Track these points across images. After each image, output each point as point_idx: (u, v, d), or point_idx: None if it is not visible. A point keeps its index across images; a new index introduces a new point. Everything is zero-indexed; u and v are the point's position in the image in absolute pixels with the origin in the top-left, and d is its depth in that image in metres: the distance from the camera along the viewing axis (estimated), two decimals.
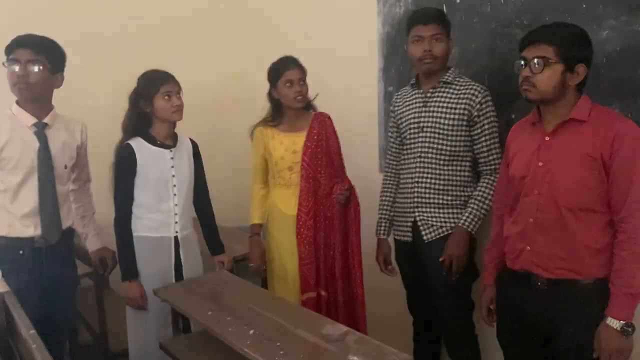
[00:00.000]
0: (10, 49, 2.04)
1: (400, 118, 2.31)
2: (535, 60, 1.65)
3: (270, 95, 2.50)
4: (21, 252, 2.10)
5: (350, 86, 2.71)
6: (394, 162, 2.41)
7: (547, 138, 1.71)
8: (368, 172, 2.89)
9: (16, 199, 2.08)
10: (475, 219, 2.13)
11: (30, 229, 2.10)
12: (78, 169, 2.34)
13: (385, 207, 2.41)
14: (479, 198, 2.14)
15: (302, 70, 2.44)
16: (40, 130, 2.10)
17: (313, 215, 2.45)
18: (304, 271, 2.46)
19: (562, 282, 1.69)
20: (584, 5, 1.95)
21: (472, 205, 2.15)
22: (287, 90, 2.40)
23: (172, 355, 2.16)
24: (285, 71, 2.40)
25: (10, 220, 2.09)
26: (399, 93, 2.37)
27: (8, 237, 2.09)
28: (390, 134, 2.42)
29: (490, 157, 2.14)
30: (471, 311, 2.26)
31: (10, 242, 2.09)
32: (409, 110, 2.27)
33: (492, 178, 2.13)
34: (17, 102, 2.11)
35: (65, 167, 2.19)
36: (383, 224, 2.41)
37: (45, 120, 2.12)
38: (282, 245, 2.53)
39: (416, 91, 2.26)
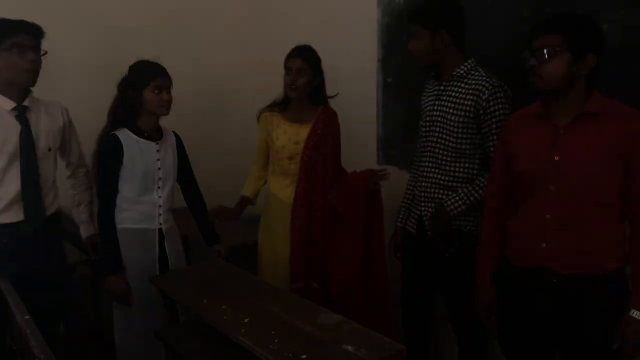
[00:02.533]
0: (9, 34, 1.99)
1: (422, 110, 2.27)
2: (543, 50, 1.61)
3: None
4: (4, 240, 2.08)
5: (350, 77, 2.71)
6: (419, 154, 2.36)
7: (562, 131, 1.66)
8: (366, 163, 2.87)
9: (1, 184, 2.06)
10: (460, 202, 2.08)
11: (14, 215, 2.08)
12: (67, 153, 2.32)
13: (406, 197, 2.40)
14: (474, 186, 2.09)
15: (306, 61, 2.42)
16: (22, 114, 2.08)
17: (309, 207, 2.46)
18: (296, 261, 2.47)
19: (579, 277, 1.66)
20: None
21: (464, 190, 2.10)
22: (284, 78, 2.42)
23: (167, 343, 2.16)
24: (287, 58, 2.43)
25: None
26: (427, 84, 2.29)
27: None
28: (421, 124, 2.31)
29: None
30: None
31: None
32: (426, 103, 2.23)
33: None
34: None
35: (50, 149, 2.17)
36: (402, 213, 2.40)
37: (25, 103, 2.10)
38: (276, 231, 2.54)
39: (436, 83, 2.20)
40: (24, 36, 2.01)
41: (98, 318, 2.71)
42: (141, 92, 2.19)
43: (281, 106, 2.54)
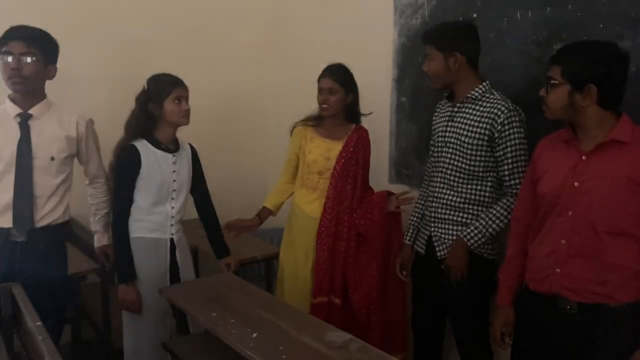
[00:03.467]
0: (3, 41, 2.04)
1: (434, 130, 2.27)
2: (550, 81, 1.65)
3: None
4: None
5: (364, 95, 2.73)
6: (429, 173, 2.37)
7: (584, 157, 1.65)
8: (378, 182, 2.88)
9: None
10: (479, 235, 2.08)
11: (6, 220, 2.09)
12: (85, 162, 2.32)
13: (415, 215, 2.40)
14: (490, 216, 2.08)
15: (336, 81, 2.47)
16: (24, 121, 2.09)
17: (336, 223, 2.49)
18: (319, 276, 2.50)
19: (593, 307, 1.63)
20: (601, 25, 1.96)
21: (480, 221, 2.09)
22: (317, 97, 2.49)
23: (174, 355, 2.17)
24: (319, 78, 2.49)
25: None
26: (439, 105, 2.30)
27: None
28: (431, 143, 2.33)
29: (512, 182, 2.05)
30: (487, 333, 2.17)
31: None
32: (439, 123, 2.23)
33: (512, 201, 2.04)
34: (9, 95, 2.11)
35: (53, 158, 2.15)
36: (410, 231, 2.40)
37: (31, 111, 2.11)
38: (299, 245, 2.57)
39: (449, 104, 2.21)
40: (14, 43, 2.03)
41: (107, 326, 2.72)
42: (162, 104, 2.23)
43: (316, 121, 2.58)
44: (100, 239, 2.45)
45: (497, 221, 2.06)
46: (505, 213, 2.05)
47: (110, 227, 2.38)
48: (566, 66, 1.62)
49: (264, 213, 2.67)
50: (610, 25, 1.93)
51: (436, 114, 2.30)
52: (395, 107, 2.87)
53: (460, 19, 2.40)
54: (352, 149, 2.50)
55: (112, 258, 2.40)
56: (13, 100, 2.10)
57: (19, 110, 2.09)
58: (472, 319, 2.18)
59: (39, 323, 1.72)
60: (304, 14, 3.52)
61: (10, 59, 2.02)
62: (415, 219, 2.40)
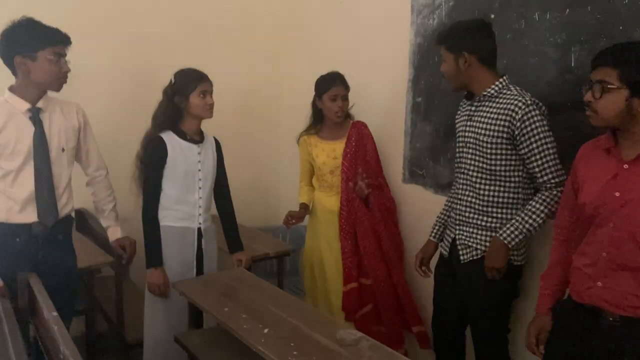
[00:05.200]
0: (54, 43, 2.06)
1: (457, 130, 2.24)
2: (599, 85, 1.52)
3: (314, 104, 2.78)
4: (17, 239, 2.11)
5: (380, 95, 2.74)
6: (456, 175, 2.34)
7: (625, 166, 1.56)
8: (392, 183, 2.89)
9: (15, 184, 2.10)
10: (516, 232, 1.99)
11: (28, 215, 2.12)
12: (84, 154, 2.34)
13: (442, 213, 2.37)
14: (527, 212, 1.99)
15: (347, 88, 2.70)
16: (35, 115, 2.12)
17: (354, 211, 2.68)
18: (348, 264, 2.68)
19: (636, 321, 1.56)
20: (620, 27, 1.94)
21: (517, 218, 2.01)
22: (330, 104, 2.67)
23: (186, 349, 2.19)
24: (332, 87, 2.66)
25: (9, 205, 2.10)
26: (461, 104, 2.27)
27: (6, 224, 2.10)
28: (455, 144, 2.31)
29: (546, 177, 1.97)
30: (506, 340, 2.17)
31: (7, 229, 2.10)
32: (460, 123, 2.21)
33: (547, 194, 1.97)
34: (11, 89, 2.11)
35: (63, 150, 2.19)
36: (436, 228, 2.38)
37: (39, 105, 2.13)
38: (323, 237, 2.79)
39: (468, 103, 2.18)
40: (62, 46, 2.09)
41: (120, 318, 2.75)
42: (188, 97, 2.33)
43: (316, 128, 2.81)
44: (115, 232, 2.46)
45: (535, 216, 1.98)
46: (542, 208, 1.97)
47: (119, 220, 2.43)
48: (625, 69, 1.48)
49: (304, 207, 2.87)
50: (631, 27, 1.91)
51: (458, 114, 2.27)
52: (410, 108, 2.87)
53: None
54: (354, 143, 2.71)
55: (129, 250, 2.41)
56: (22, 95, 2.10)
57: (28, 105, 2.11)
58: (491, 325, 2.14)
59: (54, 313, 1.76)
60: (321, 13, 3.52)
61: (64, 61, 2.10)
62: (442, 216, 2.37)
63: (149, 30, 3.25)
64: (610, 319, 1.60)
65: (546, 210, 1.97)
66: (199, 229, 2.43)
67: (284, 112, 3.81)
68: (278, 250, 3.01)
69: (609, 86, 1.51)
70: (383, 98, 3.00)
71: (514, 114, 1.96)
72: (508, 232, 2.01)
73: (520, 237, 2.00)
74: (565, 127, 2.11)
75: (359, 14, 3.18)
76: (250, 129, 3.75)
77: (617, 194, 1.56)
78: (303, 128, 2.85)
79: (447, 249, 2.25)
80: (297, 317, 1.94)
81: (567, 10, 2.10)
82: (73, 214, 2.33)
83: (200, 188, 2.41)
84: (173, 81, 2.37)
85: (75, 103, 2.30)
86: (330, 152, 2.74)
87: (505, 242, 2.00)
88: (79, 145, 2.31)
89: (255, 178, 3.73)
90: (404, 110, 2.89)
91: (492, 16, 2.37)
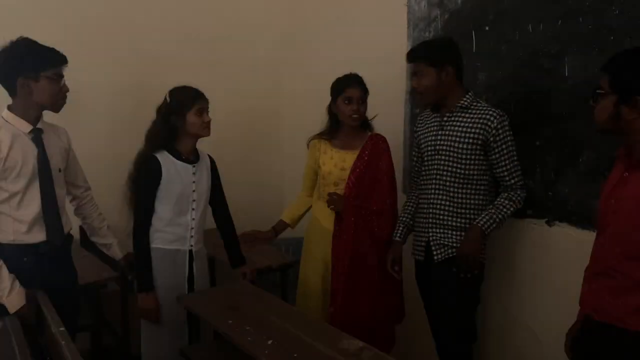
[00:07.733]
0: (56, 63, 2.09)
1: (421, 140, 2.36)
2: (596, 91, 1.57)
3: (329, 109, 2.55)
4: (25, 258, 2.12)
5: (378, 107, 2.76)
6: (416, 180, 2.47)
7: (625, 174, 1.57)
8: None
9: (21, 206, 2.09)
10: (491, 221, 2.16)
11: (35, 235, 2.12)
12: (73, 175, 2.34)
13: (404, 215, 2.48)
14: (497, 206, 2.18)
15: (364, 90, 2.47)
16: (38, 136, 2.13)
17: (353, 232, 2.45)
18: (335, 286, 2.48)
19: (608, 327, 1.58)
20: (612, 38, 1.98)
21: (490, 211, 2.18)
22: (344, 107, 2.45)
23: None
24: (346, 88, 2.45)
25: (15, 227, 2.09)
26: (422, 115, 2.42)
27: (13, 245, 2.10)
28: (413, 153, 2.48)
29: (513, 180, 2.18)
30: (471, 343, 2.29)
31: (14, 249, 2.10)
32: (427, 132, 2.32)
33: (513, 194, 2.18)
34: (10, 109, 2.10)
35: (60, 170, 2.21)
36: (400, 229, 2.46)
37: (39, 126, 2.15)
38: (317, 257, 2.58)
39: (435, 115, 2.30)
40: (62, 66, 2.11)
41: (126, 333, 2.77)
42: (184, 116, 2.27)
43: (330, 134, 2.58)
44: (118, 250, 2.46)
45: (505, 209, 2.17)
46: (510, 204, 2.17)
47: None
48: (614, 75, 1.53)
49: (280, 226, 2.70)
50: (622, 37, 1.95)
51: (420, 125, 2.39)
52: (409, 119, 2.91)
53: (473, 32, 2.46)
54: (366, 157, 2.47)
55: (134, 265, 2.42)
56: (22, 115, 2.09)
57: (31, 127, 2.11)
58: (457, 328, 2.25)
59: (62, 328, 1.78)
60: (319, 28, 3.57)
61: (63, 82, 2.12)
62: (404, 218, 2.46)
63: (154, 50, 3.27)
64: (591, 323, 1.64)
65: (513, 206, 2.18)
66: (190, 251, 2.37)
67: (283, 126, 3.86)
68: (281, 263, 3.04)
69: (601, 92, 1.56)
70: (382, 110, 3.03)
71: (489, 123, 2.12)
72: (484, 220, 2.17)
73: (494, 225, 2.17)
74: (560, 136, 2.15)
75: (356, 28, 3.23)
76: (251, 142, 3.77)
77: (613, 201, 1.59)
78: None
79: (423, 254, 2.33)
80: (301, 328, 1.96)
81: (560, 21, 2.14)
82: (71, 232, 2.33)
83: (193, 209, 2.35)
84: (168, 100, 2.29)
85: (61, 127, 2.30)
86: (338, 162, 2.51)
87: (483, 228, 2.15)
88: (68, 167, 2.31)
89: (257, 192, 3.72)
90: (402, 121, 2.93)
91: (487, 28, 2.42)
